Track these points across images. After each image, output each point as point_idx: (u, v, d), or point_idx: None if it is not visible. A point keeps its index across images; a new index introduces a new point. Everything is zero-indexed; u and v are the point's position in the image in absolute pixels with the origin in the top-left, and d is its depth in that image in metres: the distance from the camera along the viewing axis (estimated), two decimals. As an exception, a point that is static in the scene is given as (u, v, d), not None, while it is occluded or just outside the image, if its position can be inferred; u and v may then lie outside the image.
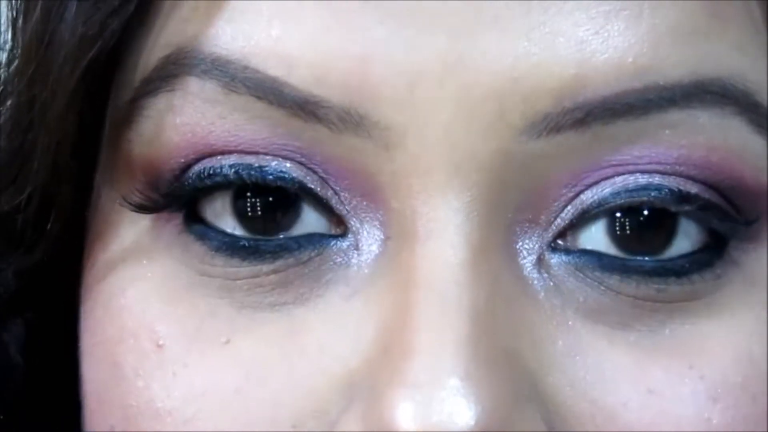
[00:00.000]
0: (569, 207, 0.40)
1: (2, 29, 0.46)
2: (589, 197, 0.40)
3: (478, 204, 0.39)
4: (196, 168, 0.41)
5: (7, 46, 0.46)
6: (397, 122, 0.39)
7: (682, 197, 0.40)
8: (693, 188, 0.40)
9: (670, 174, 0.40)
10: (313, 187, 0.41)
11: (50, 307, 0.48)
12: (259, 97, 0.40)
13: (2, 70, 0.46)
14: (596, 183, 0.40)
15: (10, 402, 0.49)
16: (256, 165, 0.41)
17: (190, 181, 0.41)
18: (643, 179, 0.40)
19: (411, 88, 0.39)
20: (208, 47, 0.40)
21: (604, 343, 0.40)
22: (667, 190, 0.40)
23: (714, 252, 0.41)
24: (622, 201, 0.40)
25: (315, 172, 0.41)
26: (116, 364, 0.42)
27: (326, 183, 0.41)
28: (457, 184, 0.39)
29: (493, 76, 0.39)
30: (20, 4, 0.45)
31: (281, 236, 0.41)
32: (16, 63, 0.44)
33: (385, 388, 0.38)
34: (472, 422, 0.37)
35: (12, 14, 0.46)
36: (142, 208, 0.42)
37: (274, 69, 0.39)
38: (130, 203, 0.42)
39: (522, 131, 0.39)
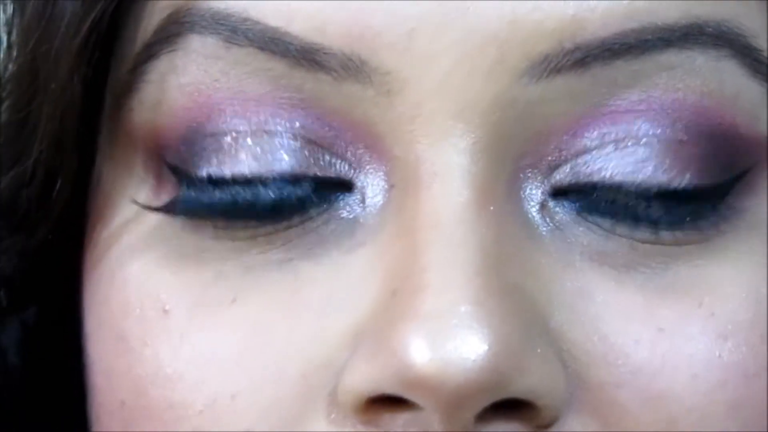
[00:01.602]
0: (568, 167, 0.41)
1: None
2: (588, 169, 0.40)
3: (482, 147, 0.39)
4: (203, 171, 0.41)
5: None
6: (397, 68, 0.39)
7: (664, 193, 0.41)
8: (686, 172, 0.40)
9: (666, 120, 0.40)
10: (319, 173, 0.41)
11: (49, 303, 0.48)
12: (261, 48, 0.40)
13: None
14: (591, 150, 0.40)
15: (9, 403, 0.49)
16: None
17: (198, 178, 0.41)
18: (643, 150, 0.40)
19: (411, 35, 0.39)
20: (206, 3, 0.41)
21: (611, 284, 0.40)
22: (646, 186, 0.40)
23: (707, 205, 0.41)
24: (611, 194, 0.41)
25: (321, 145, 0.41)
26: (122, 337, 0.42)
27: (335, 153, 0.41)
28: (460, 129, 0.39)
29: (492, 20, 0.39)
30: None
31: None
32: (17, 33, 0.45)
33: (395, 325, 0.38)
34: (485, 347, 0.37)
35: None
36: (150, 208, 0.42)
37: (274, 19, 0.40)
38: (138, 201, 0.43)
39: (522, 74, 0.39)
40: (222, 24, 0.41)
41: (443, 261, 0.38)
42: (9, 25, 0.45)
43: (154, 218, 0.43)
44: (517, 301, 0.39)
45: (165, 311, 0.41)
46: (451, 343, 0.37)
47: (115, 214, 0.44)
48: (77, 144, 0.43)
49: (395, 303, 0.39)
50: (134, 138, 0.43)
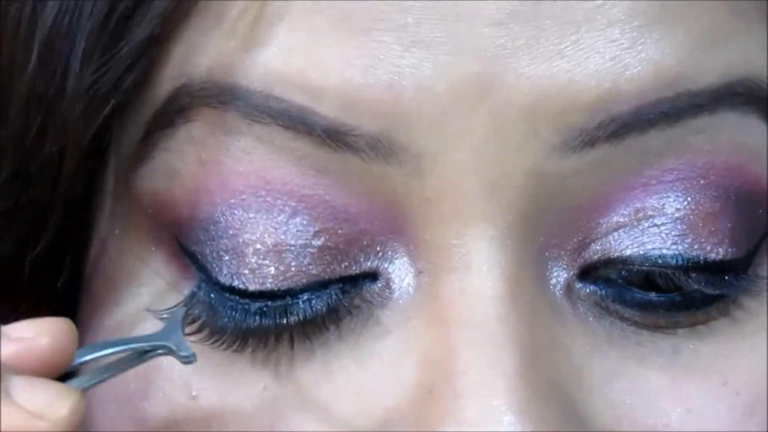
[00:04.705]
0: (597, 245, 0.40)
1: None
2: (615, 249, 0.40)
3: (512, 231, 0.39)
4: (221, 275, 0.40)
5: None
6: (429, 147, 0.38)
7: (701, 266, 0.40)
8: (716, 251, 0.40)
9: (697, 188, 0.40)
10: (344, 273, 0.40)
11: None
12: (286, 127, 0.38)
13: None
14: (623, 226, 0.40)
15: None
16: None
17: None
18: (678, 226, 0.40)
19: (443, 113, 0.38)
20: (224, 77, 0.39)
21: (638, 367, 0.40)
22: (683, 260, 0.40)
23: (733, 278, 0.41)
24: (645, 268, 0.40)
25: (346, 244, 0.39)
26: (143, 420, 0.41)
27: (360, 247, 0.40)
28: (491, 209, 0.38)
29: (526, 96, 0.38)
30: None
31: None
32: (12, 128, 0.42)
33: (436, 429, 0.37)
34: None
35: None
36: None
37: (299, 97, 0.38)
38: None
39: (556, 147, 0.38)
40: (242, 100, 0.39)
41: (482, 363, 0.38)
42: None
43: (173, 301, 0.41)
44: (555, 401, 0.38)
45: (193, 397, 0.40)
46: None
47: (130, 296, 0.42)
48: (82, 223, 0.42)
49: (434, 403, 0.38)
50: (145, 206, 0.41)
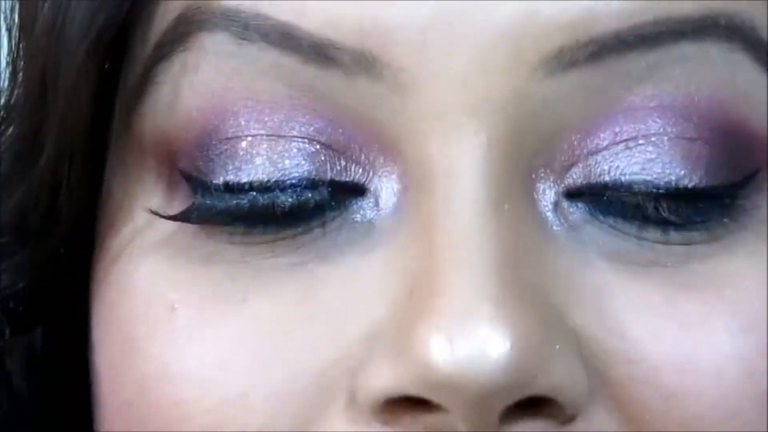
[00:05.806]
0: (580, 167, 0.40)
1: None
2: (599, 168, 0.40)
3: (495, 145, 0.39)
4: (219, 178, 0.41)
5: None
6: (410, 64, 0.39)
7: (671, 193, 0.40)
8: (696, 172, 0.40)
9: (678, 118, 0.40)
10: (335, 177, 0.40)
11: (57, 324, 0.47)
12: (272, 44, 0.40)
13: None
14: (603, 150, 0.40)
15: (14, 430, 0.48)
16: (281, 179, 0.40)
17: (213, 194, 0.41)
18: (652, 149, 0.40)
19: (424, 32, 0.39)
20: (216, 2, 0.41)
21: (630, 282, 0.40)
22: (653, 186, 0.40)
23: (717, 205, 0.41)
24: (621, 194, 0.40)
25: (335, 149, 0.40)
26: (129, 338, 0.41)
27: (350, 157, 0.40)
28: (474, 125, 0.39)
29: (506, 16, 0.39)
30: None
31: None
32: (24, 47, 0.44)
33: (414, 325, 0.37)
34: (507, 345, 0.36)
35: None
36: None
37: (285, 15, 0.40)
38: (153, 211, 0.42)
39: (537, 68, 0.39)
40: (233, 20, 0.40)
41: (461, 261, 0.38)
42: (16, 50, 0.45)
43: (167, 226, 0.42)
44: (535, 299, 0.38)
45: (172, 309, 0.41)
46: (474, 342, 0.36)
47: (126, 223, 0.43)
48: (86, 157, 0.43)
49: (413, 303, 0.38)
50: (145, 144, 0.42)
